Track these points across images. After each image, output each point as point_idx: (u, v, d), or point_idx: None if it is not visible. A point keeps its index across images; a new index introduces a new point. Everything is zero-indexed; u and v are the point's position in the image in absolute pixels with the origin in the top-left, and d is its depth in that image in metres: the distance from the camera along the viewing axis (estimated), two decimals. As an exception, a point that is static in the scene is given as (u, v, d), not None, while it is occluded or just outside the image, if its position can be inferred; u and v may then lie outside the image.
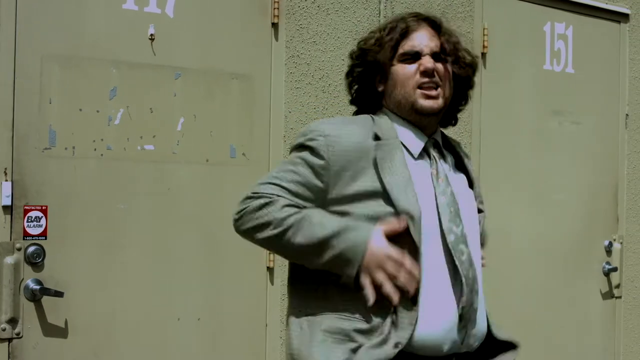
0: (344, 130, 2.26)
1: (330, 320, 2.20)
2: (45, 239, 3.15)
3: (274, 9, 3.69)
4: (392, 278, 2.12)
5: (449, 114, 2.45)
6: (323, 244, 2.14)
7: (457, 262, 2.20)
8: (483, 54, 4.42)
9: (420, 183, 2.25)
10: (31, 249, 3.11)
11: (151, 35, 3.38)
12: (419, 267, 2.16)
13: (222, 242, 3.55)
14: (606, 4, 4.97)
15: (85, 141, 3.24)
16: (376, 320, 2.16)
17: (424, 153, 2.33)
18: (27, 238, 3.12)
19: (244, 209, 2.27)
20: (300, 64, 3.79)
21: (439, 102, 2.30)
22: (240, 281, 3.62)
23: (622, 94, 5.10)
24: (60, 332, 3.18)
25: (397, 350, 2.12)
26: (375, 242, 2.13)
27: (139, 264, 3.37)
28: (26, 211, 3.11)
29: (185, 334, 3.48)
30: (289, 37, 3.76)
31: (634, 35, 5.14)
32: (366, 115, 2.38)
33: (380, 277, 2.11)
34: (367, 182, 2.20)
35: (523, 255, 4.56)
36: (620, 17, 5.07)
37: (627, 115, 5.10)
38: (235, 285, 3.60)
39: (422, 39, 2.32)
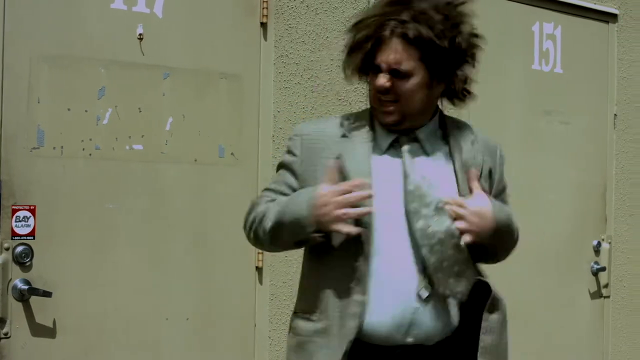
0: (319, 126, 2.41)
1: (296, 321, 2.37)
2: (34, 238, 3.14)
3: (263, 8, 3.69)
4: (349, 205, 2.18)
5: (451, 90, 2.37)
6: (280, 220, 2.26)
7: (425, 251, 2.21)
8: (472, 54, 4.42)
9: (386, 175, 2.27)
10: (19, 248, 3.11)
11: (140, 34, 3.37)
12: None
13: (211, 241, 3.56)
14: (594, 4, 4.99)
15: (74, 141, 3.23)
16: (324, 315, 2.25)
17: (397, 145, 2.33)
18: (15, 238, 3.11)
19: (244, 221, 2.44)
20: (289, 64, 3.79)
21: (394, 118, 2.29)
22: (229, 281, 3.61)
23: (611, 94, 5.11)
24: (48, 332, 3.18)
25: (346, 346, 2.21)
26: (316, 193, 2.21)
27: (127, 263, 3.36)
28: (14, 211, 3.10)
29: (174, 334, 3.48)
30: (277, 37, 3.76)
31: (622, 35, 5.15)
32: (350, 113, 2.45)
33: (339, 212, 2.17)
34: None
35: (512, 254, 4.56)
36: (608, 18, 5.09)
37: (615, 115, 5.11)
38: (224, 285, 3.60)
39: (383, 54, 2.24)
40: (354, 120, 2.38)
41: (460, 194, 2.31)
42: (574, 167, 4.90)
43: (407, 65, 2.22)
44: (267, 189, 2.43)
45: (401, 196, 2.25)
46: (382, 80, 2.24)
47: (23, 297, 3.10)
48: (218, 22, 3.58)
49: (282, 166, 2.42)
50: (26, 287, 3.10)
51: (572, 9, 4.89)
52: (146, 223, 3.41)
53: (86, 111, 3.26)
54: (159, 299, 3.44)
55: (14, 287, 3.10)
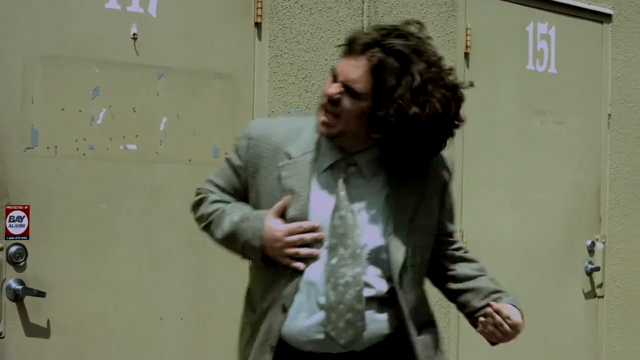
0: (269, 131, 2.36)
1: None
2: (28, 238, 3.14)
3: (257, 8, 3.68)
4: (300, 244, 2.24)
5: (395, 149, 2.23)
6: (231, 237, 2.35)
7: (329, 287, 2.22)
8: (466, 54, 4.43)
9: (321, 197, 2.27)
10: (13, 248, 3.10)
11: (134, 34, 3.37)
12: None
13: (204, 242, 3.51)
14: (589, 4, 4.99)
15: (68, 141, 3.23)
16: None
17: (337, 165, 2.29)
18: (9, 238, 3.10)
19: (192, 209, 2.55)
20: (283, 64, 3.79)
21: (330, 131, 2.22)
22: (224, 281, 3.61)
23: (605, 94, 5.12)
24: (42, 332, 3.17)
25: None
26: (268, 225, 2.26)
27: (122, 263, 3.36)
28: (8, 211, 3.10)
29: (168, 334, 3.47)
30: (272, 37, 3.76)
31: (616, 35, 5.16)
32: (302, 122, 2.40)
33: (290, 251, 2.24)
34: (274, 191, 2.30)
35: (506, 255, 4.57)
36: (602, 18, 5.09)
37: (609, 115, 5.12)
38: (219, 285, 3.60)
39: (345, 64, 2.18)
40: (302, 132, 2.33)
41: (388, 229, 2.27)
42: (568, 167, 4.91)
43: (362, 87, 2.14)
44: (212, 183, 2.47)
45: (329, 223, 2.25)
46: (333, 90, 2.18)
47: (17, 297, 3.10)
48: (212, 22, 3.58)
49: (229, 162, 2.43)
50: (20, 287, 3.09)
51: (566, 9, 4.90)
52: (140, 223, 3.40)
53: (80, 111, 3.26)
54: (153, 299, 3.44)
55: (8, 287, 3.10)
